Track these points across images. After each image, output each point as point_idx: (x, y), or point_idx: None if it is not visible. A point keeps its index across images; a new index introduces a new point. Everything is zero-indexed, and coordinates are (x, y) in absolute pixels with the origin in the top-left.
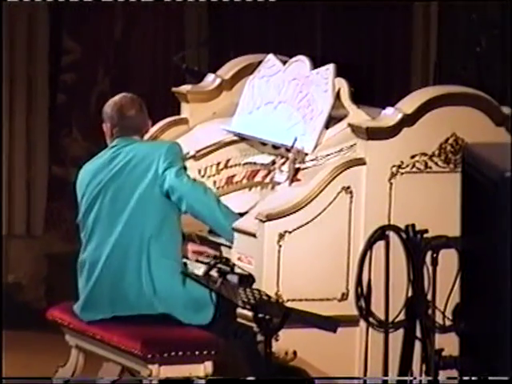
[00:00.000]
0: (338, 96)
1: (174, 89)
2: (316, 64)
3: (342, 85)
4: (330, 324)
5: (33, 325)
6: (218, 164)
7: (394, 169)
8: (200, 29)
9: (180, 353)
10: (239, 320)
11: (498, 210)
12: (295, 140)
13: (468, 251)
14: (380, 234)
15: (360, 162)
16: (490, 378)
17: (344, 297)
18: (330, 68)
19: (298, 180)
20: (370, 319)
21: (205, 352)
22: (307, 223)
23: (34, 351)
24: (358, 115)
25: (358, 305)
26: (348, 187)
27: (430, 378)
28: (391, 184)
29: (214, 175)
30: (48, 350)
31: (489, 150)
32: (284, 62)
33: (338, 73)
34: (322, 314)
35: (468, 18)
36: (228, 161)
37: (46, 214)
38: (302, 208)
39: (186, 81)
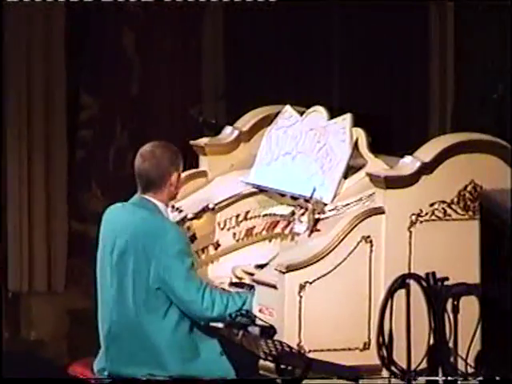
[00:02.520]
0: (355, 145)
1: (191, 142)
2: (333, 114)
3: (360, 134)
4: (351, 374)
5: (55, 381)
6: (238, 216)
7: (414, 217)
8: (217, 81)
9: None
10: (262, 372)
11: None
12: (314, 190)
13: (488, 298)
14: (400, 282)
15: (379, 210)
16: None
17: (366, 346)
18: (347, 118)
19: (318, 230)
20: (393, 368)
21: None
22: (328, 273)
23: None
24: (376, 164)
25: (379, 354)
26: (368, 236)
27: None
28: (411, 232)
29: (233, 227)
30: None
31: (506, 196)
32: (301, 113)
33: (355, 122)
34: (343, 364)
35: (484, 65)
36: (247, 213)
37: (66, 270)
38: (322, 258)
39: (204, 133)
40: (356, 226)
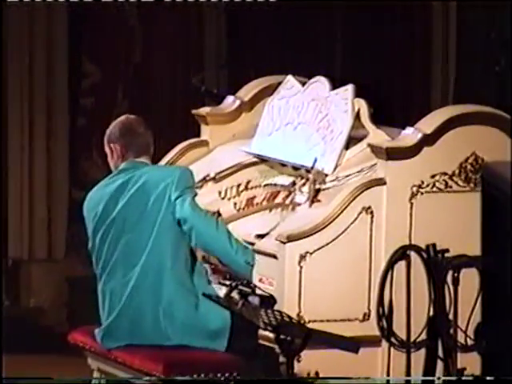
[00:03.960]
0: (357, 116)
1: (193, 111)
2: (335, 85)
3: (362, 105)
4: (351, 345)
5: (55, 348)
6: (239, 186)
7: (415, 188)
8: (219, 51)
9: (202, 375)
10: (261, 342)
11: None
12: (315, 161)
13: (489, 270)
14: (401, 253)
15: (380, 182)
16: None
17: (366, 317)
18: (349, 88)
19: (319, 201)
20: (392, 339)
21: (227, 374)
22: (328, 244)
23: (56, 375)
24: (377, 135)
25: (379, 325)
26: (368, 207)
27: None
28: (412, 204)
29: (234, 197)
30: (70, 374)
31: (508, 169)
32: (303, 83)
33: (358, 93)
34: (343, 335)
35: (487, 37)
36: (248, 182)
37: (66, 237)
38: (322, 229)
39: (206, 103)
40: (357, 196)
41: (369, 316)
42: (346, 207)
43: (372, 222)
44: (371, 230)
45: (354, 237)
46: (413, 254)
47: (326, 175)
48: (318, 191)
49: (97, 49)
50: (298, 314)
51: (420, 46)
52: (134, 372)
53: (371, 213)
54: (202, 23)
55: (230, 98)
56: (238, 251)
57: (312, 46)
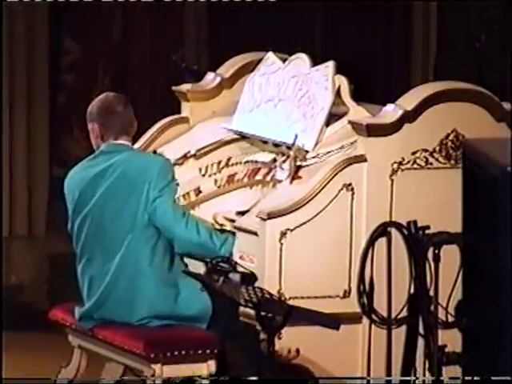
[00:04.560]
0: (338, 93)
1: (173, 88)
2: (315, 61)
3: (342, 82)
4: (331, 322)
5: (35, 326)
6: (219, 162)
7: (395, 165)
8: (199, 28)
9: (183, 352)
10: (242, 319)
11: (498, 205)
12: (296, 137)
13: (470, 247)
14: (382, 230)
15: (361, 158)
16: (493, 378)
17: (346, 294)
18: (329, 65)
19: (299, 178)
20: (373, 316)
21: (207, 351)
22: (309, 221)
23: (37, 352)
24: (358, 112)
25: (360, 302)
26: (349, 184)
27: (433, 378)
28: (392, 181)
29: (214, 174)
30: (51, 351)
31: (489, 146)
32: (284, 60)
33: (338, 70)
34: (323, 312)
35: (467, 14)
36: (229, 159)
37: (47, 214)
38: (303, 206)
39: (186, 80)
40: (337, 173)
41: (349, 293)
42: (327, 184)
43: (353, 198)
44: (352, 206)
45: (334, 214)
46: (393, 231)
47: (307, 152)
48: (298, 168)
49: (77, 26)
50: (279, 291)
51: (400, 21)
52: (114, 349)
53: (352, 190)
54: (183, 1)
55: (210, 75)
56: (222, 247)
57: (292, 22)
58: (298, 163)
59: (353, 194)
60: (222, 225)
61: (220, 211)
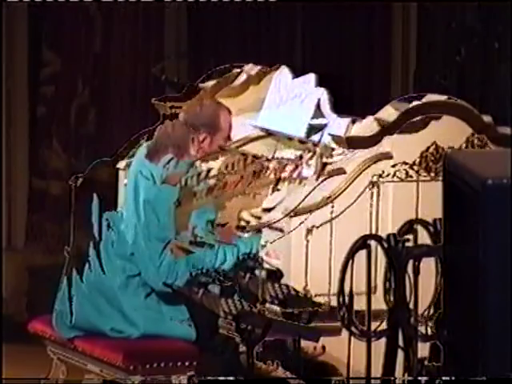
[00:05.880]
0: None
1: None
2: (296, 73)
3: (323, 94)
4: (311, 334)
5: (14, 338)
6: (246, 159)
7: (375, 177)
8: (179, 40)
9: (162, 364)
10: (222, 331)
11: (479, 218)
12: (322, 134)
13: (450, 259)
14: (361, 243)
15: (387, 155)
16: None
17: (373, 291)
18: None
19: (325, 174)
20: (352, 329)
21: (187, 363)
22: (335, 218)
23: (16, 364)
24: (338, 124)
25: (340, 314)
26: (375, 181)
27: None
28: (372, 193)
29: (240, 170)
30: (30, 363)
31: (470, 158)
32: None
33: (319, 82)
34: (303, 325)
35: (447, 27)
36: (255, 156)
37: (26, 226)
38: (329, 203)
39: (166, 92)
40: (364, 170)
41: (375, 290)
42: (353, 181)
43: (379, 195)
44: (378, 203)
45: (360, 211)
46: (373, 244)
47: (333, 149)
48: (324, 165)
49: (57, 37)
50: (305, 288)
51: (380, 35)
52: (94, 361)
53: (378, 187)
54: (163, 13)
55: (235, 71)
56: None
57: (272, 34)
58: (325, 160)
59: (378, 191)
60: (247, 221)
61: (246, 208)
